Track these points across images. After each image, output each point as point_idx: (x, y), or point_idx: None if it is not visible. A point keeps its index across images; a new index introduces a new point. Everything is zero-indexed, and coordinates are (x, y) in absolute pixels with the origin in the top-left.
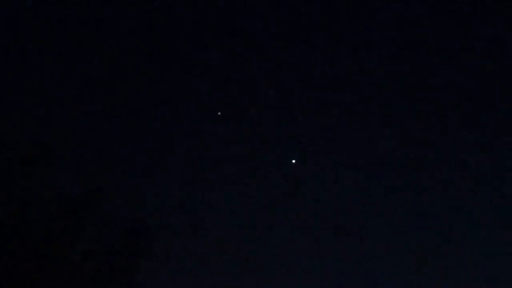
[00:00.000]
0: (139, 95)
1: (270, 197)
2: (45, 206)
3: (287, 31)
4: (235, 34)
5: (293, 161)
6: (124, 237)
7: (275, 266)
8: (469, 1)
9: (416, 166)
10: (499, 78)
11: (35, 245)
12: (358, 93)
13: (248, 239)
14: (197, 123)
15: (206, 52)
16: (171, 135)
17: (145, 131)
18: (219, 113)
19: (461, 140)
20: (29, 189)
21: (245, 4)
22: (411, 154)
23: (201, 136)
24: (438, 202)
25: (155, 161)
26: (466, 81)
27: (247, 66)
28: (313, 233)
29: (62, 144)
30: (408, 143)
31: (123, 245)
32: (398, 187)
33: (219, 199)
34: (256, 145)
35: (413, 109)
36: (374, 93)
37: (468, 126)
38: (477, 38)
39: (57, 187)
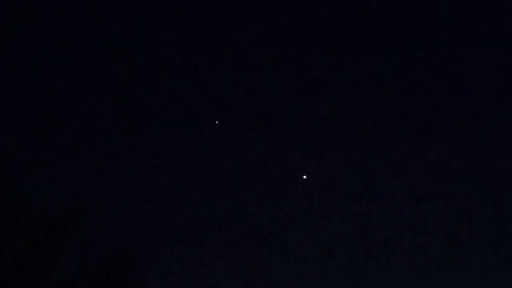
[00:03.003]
0: (126, 108)
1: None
2: (22, 229)
3: (295, 36)
4: (238, 42)
5: (304, 176)
6: (107, 266)
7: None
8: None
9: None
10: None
11: (11, 270)
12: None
13: (248, 259)
14: (192, 136)
15: (204, 58)
16: (163, 146)
17: (135, 145)
18: (216, 122)
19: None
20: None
21: (243, 10)
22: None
23: (196, 149)
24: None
25: (146, 179)
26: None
27: (249, 71)
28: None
29: (41, 165)
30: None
31: (106, 273)
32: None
33: (217, 219)
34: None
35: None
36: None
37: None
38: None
39: (35, 209)
